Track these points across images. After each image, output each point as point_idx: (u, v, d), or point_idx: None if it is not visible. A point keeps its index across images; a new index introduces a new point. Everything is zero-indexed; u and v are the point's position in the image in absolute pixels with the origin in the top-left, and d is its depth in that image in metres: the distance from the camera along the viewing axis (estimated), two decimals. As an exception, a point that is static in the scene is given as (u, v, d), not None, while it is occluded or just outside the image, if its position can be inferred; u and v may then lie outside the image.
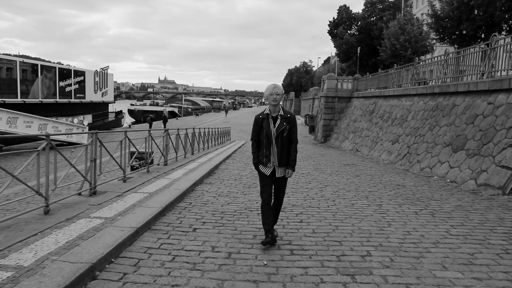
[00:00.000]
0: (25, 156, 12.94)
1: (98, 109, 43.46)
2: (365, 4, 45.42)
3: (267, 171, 5.03)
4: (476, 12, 22.17)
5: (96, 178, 7.15)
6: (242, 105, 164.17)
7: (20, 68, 30.00)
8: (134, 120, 67.94)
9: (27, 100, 30.98)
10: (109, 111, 48.13)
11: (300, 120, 67.48)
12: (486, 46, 12.81)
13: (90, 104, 41.38)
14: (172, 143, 13.00)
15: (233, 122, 58.99)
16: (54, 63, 37.02)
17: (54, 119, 30.64)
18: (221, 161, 14.34)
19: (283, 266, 4.40)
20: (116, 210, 5.99)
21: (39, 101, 32.55)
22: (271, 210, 5.10)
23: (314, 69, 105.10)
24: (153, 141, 10.90)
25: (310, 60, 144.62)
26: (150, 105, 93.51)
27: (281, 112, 4.99)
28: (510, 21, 21.76)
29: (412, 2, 57.36)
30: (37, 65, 32.51)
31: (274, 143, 4.91)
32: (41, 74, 32.74)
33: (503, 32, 21.78)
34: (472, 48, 13.99)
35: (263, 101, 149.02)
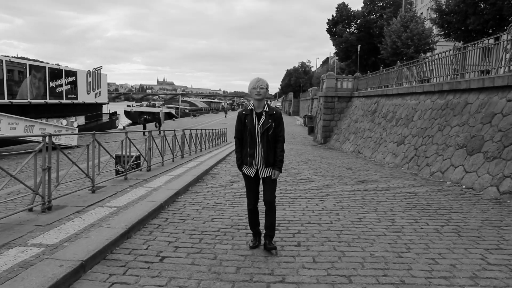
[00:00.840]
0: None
1: (92, 110, 42.25)
2: (364, 2, 44.21)
3: (251, 172, 4.73)
4: (483, 6, 20.99)
5: (51, 190, 5.93)
6: (240, 106, 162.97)
7: (6, 67, 28.76)
8: (130, 122, 66.85)
9: (15, 101, 29.76)
10: (103, 112, 46.94)
11: (299, 121, 66.30)
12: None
13: (82, 105, 40.17)
14: (157, 146, 11.79)
15: (230, 123, 57.78)
16: (45, 63, 35.74)
17: (43, 120, 29.49)
18: (212, 165, 13.14)
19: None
20: (66, 233, 4.77)
21: (28, 102, 31.33)
22: (257, 215, 4.87)
23: (312, 69, 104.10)
24: (134, 144, 9.68)
25: (309, 61, 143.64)
26: (147, 106, 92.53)
27: (266, 108, 4.66)
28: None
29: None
30: (25, 64, 31.27)
31: (258, 141, 4.60)
32: (29, 74, 31.52)
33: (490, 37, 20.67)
34: (485, 40, 12.80)
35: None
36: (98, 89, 43.37)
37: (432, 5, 25.60)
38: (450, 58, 14.71)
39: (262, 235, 4.96)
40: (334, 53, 51.00)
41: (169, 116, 73.86)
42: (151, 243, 4.97)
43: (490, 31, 21.39)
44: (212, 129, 24.70)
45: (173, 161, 13.42)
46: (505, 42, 11.39)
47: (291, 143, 28.90)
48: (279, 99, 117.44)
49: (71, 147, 26.49)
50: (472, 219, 6.51)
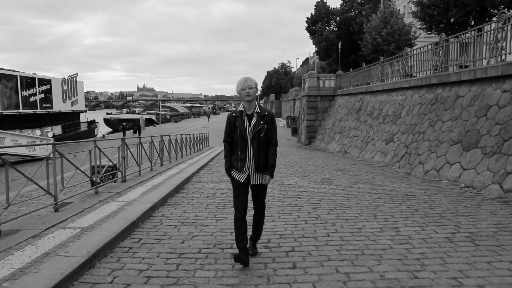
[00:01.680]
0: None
1: (68, 119, 40.90)
2: (343, -1, 43.88)
3: (241, 178, 4.38)
4: (465, -2, 20.67)
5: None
6: (222, 109, 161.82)
7: (-27, 77, 27.42)
8: (111, 130, 65.41)
9: (-16, 113, 28.40)
10: (81, 120, 45.55)
11: (281, 122, 65.75)
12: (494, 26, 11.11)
13: (58, 114, 38.81)
14: (132, 154, 10.90)
15: (212, 127, 56.92)
16: (17, 71, 34.29)
17: (16, 131, 28.19)
18: (194, 172, 12.31)
19: None
20: (10, 268, 3.91)
21: (-1, 112, 29.95)
22: (246, 226, 4.41)
23: (293, 70, 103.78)
24: (105, 154, 8.80)
25: (289, 61, 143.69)
26: (127, 113, 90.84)
27: (257, 109, 4.37)
28: (501, 6, 20.29)
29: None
30: (-6, 73, 29.89)
31: (249, 144, 4.29)
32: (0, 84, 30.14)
33: (494, 18, 20.28)
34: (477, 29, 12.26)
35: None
36: (74, 97, 42.04)
37: (413, -1, 25.27)
38: (437, 50, 14.16)
39: (248, 245, 4.58)
40: (315, 52, 50.55)
41: (150, 122, 72.58)
42: (118, 273, 4.14)
43: (473, 22, 21.05)
44: (193, 134, 23.80)
45: (151, 169, 12.54)
46: (495, 31, 10.85)
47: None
48: (260, 101, 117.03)
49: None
50: (484, 224, 5.84)
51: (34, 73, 36.64)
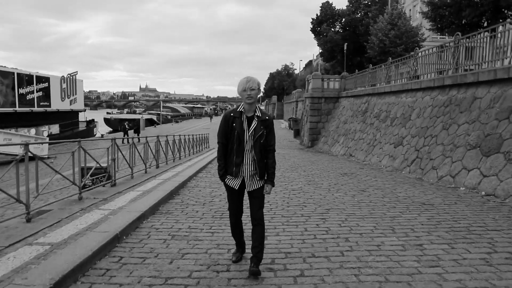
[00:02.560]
0: None
1: (67, 118, 40.09)
2: (349, 0, 42.97)
3: (235, 184, 4.15)
4: (478, -2, 19.82)
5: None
6: (223, 110, 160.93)
7: (-32, 74, 26.69)
8: (111, 129, 64.69)
9: (-21, 110, 27.65)
10: (80, 120, 44.78)
11: (283, 124, 64.96)
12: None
13: (56, 113, 38.04)
14: (124, 156, 10.10)
15: (214, 128, 56.09)
16: (14, 68, 33.57)
17: (11, 130, 27.44)
18: (191, 175, 11.51)
19: None
20: None
21: (-6, 110, 29.20)
22: (241, 227, 4.42)
23: (296, 71, 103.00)
24: (89, 154, 8.00)
25: (292, 63, 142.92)
26: (128, 113, 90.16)
27: (258, 113, 4.12)
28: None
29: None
30: (-11, 70, 29.14)
31: (248, 149, 4.04)
32: (-5, 81, 29.42)
33: (508, 19, 19.48)
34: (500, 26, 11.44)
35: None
36: (73, 95, 41.31)
37: (423, -1, 24.38)
38: (451, 49, 13.35)
39: (246, 246, 4.44)
40: (319, 54, 49.75)
41: (150, 122, 71.87)
42: (87, 305, 3.35)
43: (485, 24, 20.22)
44: (192, 135, 23.01)
45: (145, 172, 11.75)
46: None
47: (277, 147, 27.30)
48: (262, 103, 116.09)
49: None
50: (522, 242, 5.04)
51: (37, 72, 35.94)
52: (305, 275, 4.00)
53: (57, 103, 38.01)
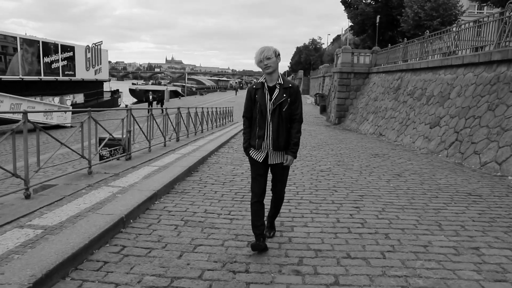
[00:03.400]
0: None
1: (91, 88, 39.98)
2: (383, -30, 40.69)
3: (259, 157, 3.93)
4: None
5: None
6: (248, 84, 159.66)
7: (-6, 41, 26.50)
8: (136, 100, 64.85)
9: (4, 77, 27.52)
10: (104, 90, 44.69)
11: (309, 99, 63.69)
12: None
13: (81, 82, 37.92)
14: (141, 128, 9.48)
15: (239, 101, 55.31)
16: (40, 38, 33.31)
17: (36, 98, 27.35)
18: (212, 150, 10.88)
19: None
20: None
21: (20, 78, 29.11)
22: (263, 210, 3.99)
23: (324, 46, 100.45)
24: (100, 125, 7.40)
25: (320, 37, 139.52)
26: (153, 84, 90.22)
27: (280, 81, 3.85)
28: None
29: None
30: (15, 38, 28.89)
31: (269, 120, 3.80)
32: (21, 49, 29.20)
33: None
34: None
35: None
36: (98, 65, 41.02)
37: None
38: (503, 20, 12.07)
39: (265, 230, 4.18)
40: (349, 27, 47.81)
41: (175, 94, 71.62)
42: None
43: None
44: (216, 108, 22.32)
45: (164, 145, 11.16)
46: None
47: (303, 123, 26.49)
48: (288, 78, 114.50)
49: (64, 127, 24.42)
50: None
51: (63, 41, 35.68)
52: (339, 284, 3.27)
53: (81, 73, 37.79)
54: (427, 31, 18.91)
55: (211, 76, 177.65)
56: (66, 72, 35.31)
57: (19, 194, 5.03)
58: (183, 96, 73.58)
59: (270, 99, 3.82)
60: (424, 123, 14.57)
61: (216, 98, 67.40)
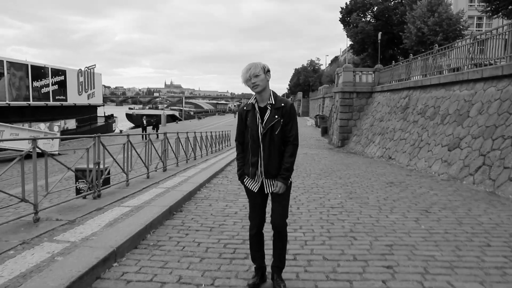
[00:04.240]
0: None
1: (84, 113, 38.72)
2: (382, -14, 39.91)
3: (254, 187, 3.57)
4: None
5: None
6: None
7: (-22, 65, 25.29)
8: (133, 125, 63.78)
9: (-11, 103, 26.25)
10: (98, 115, 43.44)
11: (309, 121, 62.43)
12: None
13: (73, 108, 36.65)
14: (114, 159, 7.97)
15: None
16: (29, 61, 32.17)
17: (22, 125, 26.00)
18: (202, 182, 9.36)
19: None
20: None
21: (6, 104, 27.79)
22: (263, 242, 3.70)
23: (322, 67, 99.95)
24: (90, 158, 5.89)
25: (318, 58, 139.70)
26: (149, 108, 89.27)
27: (271, 101, 3.48)
28: None
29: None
30: (1, 61, 27.68)
31: (263, 145, 3.45)
32: (7, 73, 27.98)
33: None
34: None
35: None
36: (91, 89, 39.88)
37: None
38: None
39: (267, 271, 3.74)
40: (348, 46, 46.83)
41: (172, 118, 70.54)
42: None
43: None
44: (211, 132, 20.89)
45: (147, 177, 9.65)
46: None
47: (304, 146, 25.09)
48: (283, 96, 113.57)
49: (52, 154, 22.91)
50: None
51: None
52: None
53: (73, 97, 36.60)
54: (436, 45, 17.63)
55: (210, 100, 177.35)
56: (57, 97, 34.08)
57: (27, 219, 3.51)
58: (180, 120, 72.46)
59: (262, 122, 3.45)
60: (441, 144, 13.09)
61: (214, 122, 66.22)
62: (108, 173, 8.99)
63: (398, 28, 34.16)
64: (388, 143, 18.41)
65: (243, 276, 3.90)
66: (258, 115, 3.47)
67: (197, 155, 16.09)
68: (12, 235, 4.57)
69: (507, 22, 17.59)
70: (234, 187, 9.17)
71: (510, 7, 19.12)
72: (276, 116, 3.43)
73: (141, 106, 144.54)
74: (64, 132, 32.61)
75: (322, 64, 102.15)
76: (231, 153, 18.83)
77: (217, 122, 67.09)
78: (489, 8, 20.95)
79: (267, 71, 3.45)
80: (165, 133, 11.27)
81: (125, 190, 7.91)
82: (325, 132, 35.29)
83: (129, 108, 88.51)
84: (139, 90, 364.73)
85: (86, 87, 38.80)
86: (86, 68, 38.83)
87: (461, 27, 29.00)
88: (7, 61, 28.14)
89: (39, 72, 31.68)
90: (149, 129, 39.98)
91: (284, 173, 3.46)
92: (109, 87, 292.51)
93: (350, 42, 43.08)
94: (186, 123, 63.04)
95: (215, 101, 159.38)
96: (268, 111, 3.46)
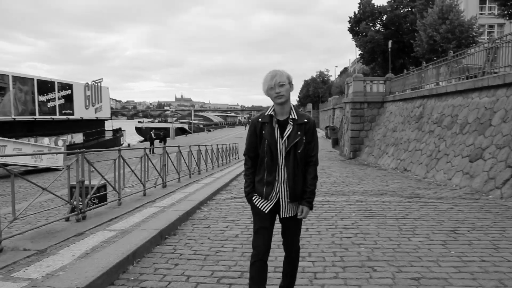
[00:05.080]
0: None
1: (91, 127, 38.33)
2: (390, -5, 39.19)
3: (265, 207, 3.16)
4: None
5: None
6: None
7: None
8: (142, 139, 63.44)
9: (-5, 118, 25.88)
10: (106, 128, 43.07)
11: (320, 132, 61.57)
12: None
13: (80, 122, 36.28)
14: (103, 176, 7.24)
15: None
16: (35, 75, 31.92)
17: (28, 140, 25.60)
18: (203, 199, 8.61)
19: None
20: None
21: (12, 118, 27.42)
22: (266, 272, 3.18)
23: (331, 79, 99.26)
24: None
25: (327, 69, 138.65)
26: (159, 122, 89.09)
27: (293, 115, 3.13)
28: None
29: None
30: (7, 76, 27.38)
31: (282, 164, 3.08)
32: (13, 87, 27.67)
33: None
34: None
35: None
36: (98, 103, 39.54)
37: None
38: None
39: None
40: (358, 56, 46.03)
41: (181, 131, 70.14)
42: None
43: None
44: (217, 145, 20.18)
45: (144, 194, 8.92)
46: None
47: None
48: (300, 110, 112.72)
49: (56, 169, 22.40)
50: None
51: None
52: None
53: (81, 111, 36.24)
54: (451, 51, 16.80)
55: (219, 112, 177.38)
56: (63, 111, 33.71)
57: None
58: (189, 133, 72.07)
59: (282, 137, 3.11)
60: (461, 155, 12.19)
61: (223, 134, 65.70)
62: (105, 189, 8.33)
63: (409, 36, 33.36)
64: (402, 154, 17.51)
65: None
66: (277, 128, 3.11)
67: (202, 169, 15.35)
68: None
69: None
70: (237, 205, 8.40)
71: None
72: (299, 133, 3.10)
73: (151, 119, 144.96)
74: (71, 146, 32.16)
75: (331, 75, 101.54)
76: (239, 166, 18.07)
77: (226, 134, 66.56)
78: (506, 12, 20.10)
79: (291, 82, 3.15)
80: (164, 147, 10.55)
81: (116, 210, 7.18)
82: (336, 143, 34.46)
83: (139, 122, 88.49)
84: (150, 104, 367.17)
85: (94, 101, 38.48)
86: (93, 82, 38.55)
87: (474, 33, 28.13)
88: (12, 76, 27.82)
89: (45, 86, 31.37)
90: (157, 142, 39.49)
91: (310, 196, 3.17)
92: (120, 101, 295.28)
93: (360, 52, 42.29)
94: (194, 136, 62.59)
95: (225, 114, 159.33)
96: (290, 126, 3.13)
